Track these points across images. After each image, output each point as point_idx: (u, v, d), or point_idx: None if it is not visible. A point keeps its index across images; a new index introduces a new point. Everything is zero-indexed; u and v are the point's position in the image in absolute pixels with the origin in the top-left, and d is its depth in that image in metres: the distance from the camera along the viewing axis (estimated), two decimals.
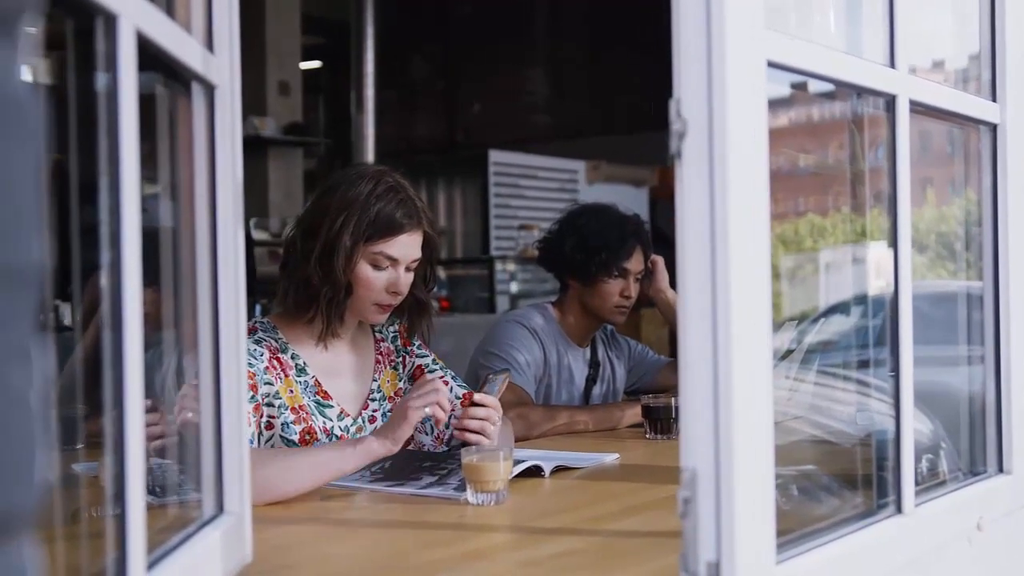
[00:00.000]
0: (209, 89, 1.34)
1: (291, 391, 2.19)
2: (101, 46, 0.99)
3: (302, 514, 1.87)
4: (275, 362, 2.19)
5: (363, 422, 2.30)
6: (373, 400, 2.34)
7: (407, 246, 2.22)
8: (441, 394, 2.01)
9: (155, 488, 1.35)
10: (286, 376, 2.20)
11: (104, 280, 1.01)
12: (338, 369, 2.30)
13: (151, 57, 1.11)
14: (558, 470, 2.19)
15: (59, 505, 1.19)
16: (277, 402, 2.16)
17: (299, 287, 2.21)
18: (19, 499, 0.57)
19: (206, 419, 1.37)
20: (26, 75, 0.60)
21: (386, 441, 1.98)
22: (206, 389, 1.37)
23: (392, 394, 2.37)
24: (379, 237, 2.19)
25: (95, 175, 1.02)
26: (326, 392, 2.25)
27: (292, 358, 2.23)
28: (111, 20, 0.98)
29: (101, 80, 1.01)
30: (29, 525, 0.59)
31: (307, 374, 2.24)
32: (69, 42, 1.02)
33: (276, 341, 2.23)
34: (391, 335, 2.43)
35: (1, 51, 0.57)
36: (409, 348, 2.44)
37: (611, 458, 2.36)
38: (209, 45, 1.34)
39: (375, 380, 2.36)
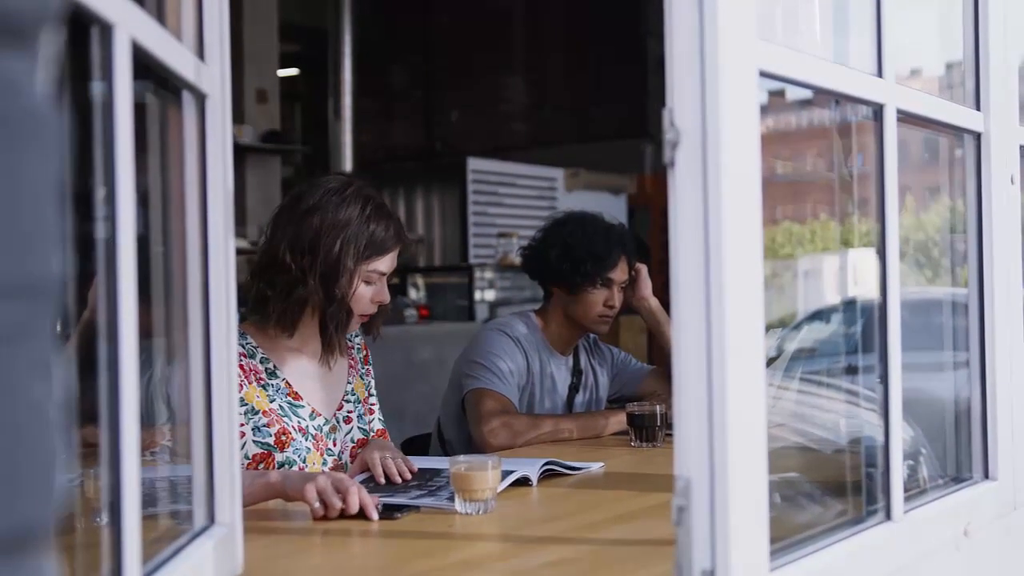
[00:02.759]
0: (200, 98, 1.33)
1: (259, 396, 2.24)
2: (96, 54, 0.99)
3: (292, 525, 1.86)
4: (239, 368, 2.21)
5: (338, 422, 2.37)
6: (348, 401, 2.42)
7: (393, 259, 2.34)
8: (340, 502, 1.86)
9: (143, 498, 1.34)
10: (250, 383, 2.24)
11: (99, 290, 1.00)
12: (311, 373, 2.35)
13: (143, 65, 1.10)
14: (547, 475, 2.19)
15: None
16: (243, 408, 2.19)
17: (296, 306, 2.26)
18: (41, 512, 0.57)
19: (197, 430, 1.36)
20: (46, 86, 0.59)
21: (281, 484, 1.93)
22: (197, 400, 1.36)
23: (362, 399, 2.46)
24: (376, 256, 2.28)
25: (88, 184, 1.02)
26: (297, 393, 2.30)
27: (261, 362, 2.28)
28: (107, 29, 0.98)
29: (96, 88, 1.00)
30: (49, 538, 0.58)
31: (278, 377, 2.29)
32: (62, 50, 1.01)
33: (243, 346, 2.26)
34: (357, 346, 2.51)
35: (20, 63, 0.57)
36: (367, 367, 2.53)
37: (597, 466, 2.37)
38: (200, 54, 1.33)
39: (349, 383, 2.43)
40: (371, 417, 2.49)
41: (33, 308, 0.57)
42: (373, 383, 2.54)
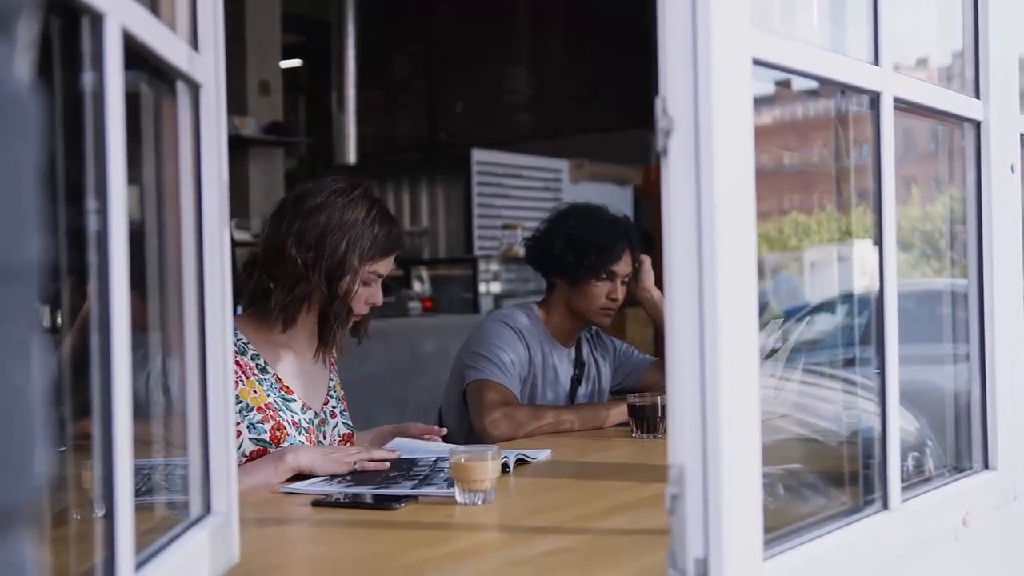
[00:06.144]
0: (194, 88, 1.33)
1: (255, 391, 2.28)
2: (87, 45, 0.99)
3: (289, 515, 1.87)
4: (234, 366, 2.22)
5: (325, 416, 2.42)
6: (332, 397, 2.47)
7: (391, 263, 2.39)
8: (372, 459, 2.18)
9: (139, 488, 1.34)
10: (247, 378, 2.28)
11: (91, 282, 1.00)
12: (298, 368, 2.39)
13: (136, 55, 1.10)
14: (542, 467, 2.21)
15: (45, 506, 1.19)
16: (239, 405, 2.22)
17: (298, 301, 2.30)
18: (20, 495, 0.57)
19: (193, 420, 1.36)
20: (24, 73, 0.59)
21: (301, 456, 2.12)
22: (193, 391, 1.36)
23: (341, 396, 2.52)
24: (379, 258, 2.33)
25: (79, 175, 1.02)
26: (288, 387, 2.34)
27: (252, 359, 2.31)
28: (97, 19, 0.98)
29: (86, 79, 1.00)
30: (28, 521, 0.59)
31: (269, 372, 2.32)
32: (53, 40, 1.02)
33: (234, 343, 2.26)
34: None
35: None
36: (335, 369, 2.56)
37: (545, 454, 2.39)
38: (194, 44, 1.33)
39: (331, 380, 2.48)
40: (348, 414, 2.52)
41: (12, 292, 0.57)
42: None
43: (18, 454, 0.57)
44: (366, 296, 2.34)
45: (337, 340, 2.38)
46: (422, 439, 2.43)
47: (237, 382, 2.23)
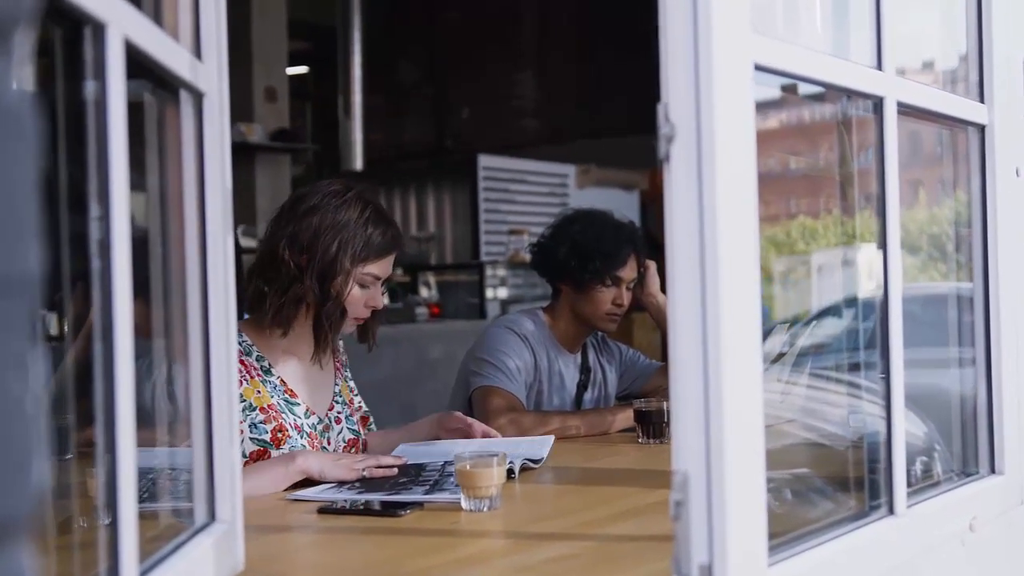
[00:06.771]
0: (197, 97, 1.34)
1: (258, 392, 2.28)
2: (89, 54, 0.99)
3: (294, 522, 1.87)
4: (239, 365, 2.24)
5: (330, 421, 2.42)
6: (337, 402, 2.46)
7: (388, 265, 2.37)
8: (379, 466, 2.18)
9: (144, 495, 1.34)
10: (252, 378, 2.28)
11: (94, 290, 1.00)
12: (303, 373, 2.39)
13: (138, 65, 1.11)
14: (523, 469, 2.22)
15: (50, 515, 1.19)
16: (242, 404, 2.22)
17: (292, 303, 2.29)
18: (17, 505, 0.57)
19: (197, 428, 1.36)
20: (22, 84, 0.60)
21: (311, 460, 2.11)
22: (197, 399, 1.36)
23: (348, 401, 2.51)
24: (372, 259, 2.32)
25: (82, 183, 1.02)
26: (292, 391, 2.34)
27: (257, 360, 2.32)
28: (99, 28, 0.98)
29: (89, 88, 1.01)
30: (27, 531, 0.59)
31: (273, 375, 2.33)
32: (56, 49, 1.02)
33: (240, 344, 2.29)
34: (340, 350, 2.57)
35: None
36: (347, 371, 2.56)
37: (547, 442, 2.42)
38: (197, 52, 1.34)
39: (336, 385, 2.48)
40: (357, 416, 2.52)
41: (10, 304, 0.57)
42: (353, 384, 2.58)
43: (16, 465, 0.57)
44: (365, 299, 2.33)
45: (332, 342, 2.37)
46: (470, 433, 2.45)
47: (241, 381, 2.23)
